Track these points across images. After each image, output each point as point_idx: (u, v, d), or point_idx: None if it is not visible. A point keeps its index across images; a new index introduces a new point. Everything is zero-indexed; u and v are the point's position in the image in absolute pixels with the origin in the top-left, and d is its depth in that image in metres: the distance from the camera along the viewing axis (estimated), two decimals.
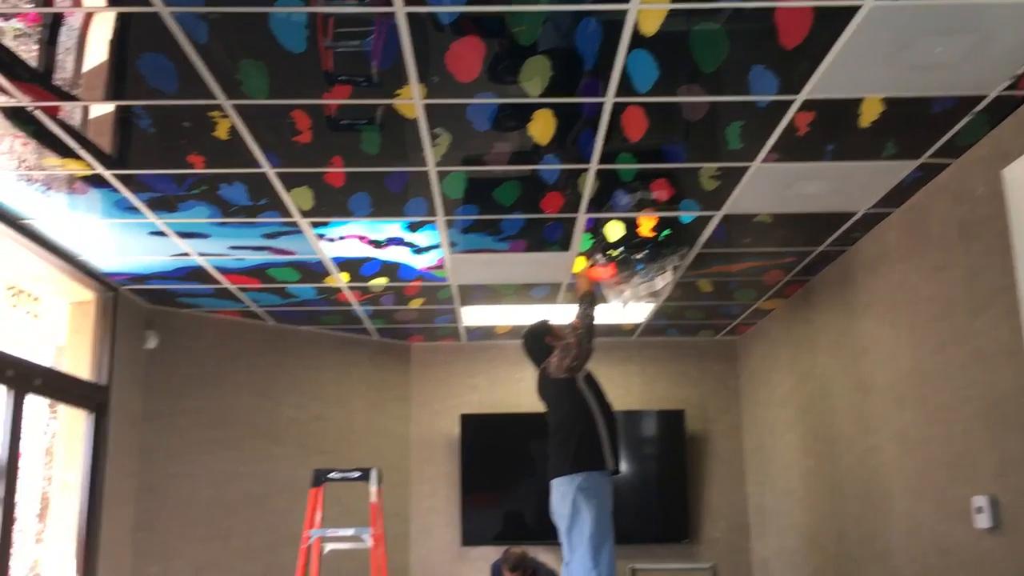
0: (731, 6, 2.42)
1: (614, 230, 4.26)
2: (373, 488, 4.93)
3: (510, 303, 5.68)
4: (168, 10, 2.40)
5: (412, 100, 2.94)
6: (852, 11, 2.44)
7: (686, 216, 4.11)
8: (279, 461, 5.95)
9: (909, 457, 3.90)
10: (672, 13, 2.46)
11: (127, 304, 5.24)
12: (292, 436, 6.06)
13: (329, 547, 4.96)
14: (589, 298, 4.34)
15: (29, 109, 2.96)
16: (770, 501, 6.13)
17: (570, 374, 4.38)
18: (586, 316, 4.28)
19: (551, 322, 4.65)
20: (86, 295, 4.97)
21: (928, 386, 3.70)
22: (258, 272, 4.86)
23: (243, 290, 5.21)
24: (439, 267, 4.83)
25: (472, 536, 6.57)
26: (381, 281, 5.09)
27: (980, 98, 2.95)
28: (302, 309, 5.70)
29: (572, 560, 4.23)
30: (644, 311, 5.84)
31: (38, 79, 2.80)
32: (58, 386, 4.63)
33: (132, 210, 3.89)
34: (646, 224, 4.21)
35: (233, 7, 2.40)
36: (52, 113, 3.00)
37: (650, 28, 2.53)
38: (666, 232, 4.29)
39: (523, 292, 5.42)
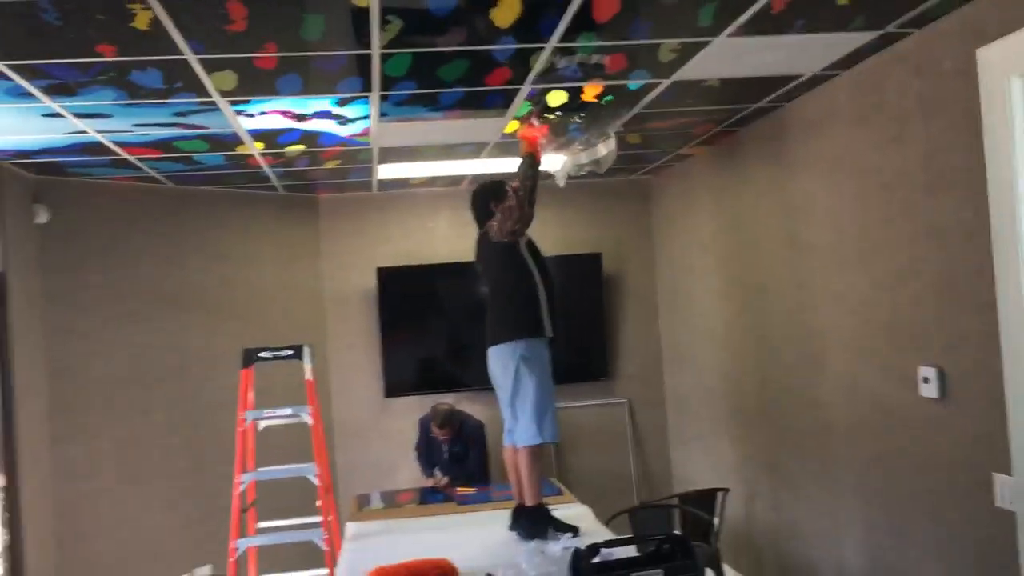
0: None
1: (556, 97, 4.05)
2: (307, 366, 4.83)
3: (431, 160, 5.44)
4: None
5: None
6: None
7: (633, 84, 3.92)
8: (191, 330, 5.71)
9: (849, 318, 4.03)
10: None
11: (11, 178, 4.74)
12: (201, 302, 5.79)
13: (264, 424, 4.88)
14: (529, 159, 4.15)
15: None
16: (686, 340, 6.33)
17: (512, 238, 4.24)
18: (527, 178, 4.10)
19: (506, 185, 4.44)
20: None
21: (875, 253, 3.77)
22: (163, 145, 4.45)
23: (143, 160, 4.78)
24: (363, 135, 4.53)
25: (394, 388, 6.58)
26: (298, 148, 4.75)
27: None
28: (205, 173, 5.30)
29: (516, 428, 4.25)
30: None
31: None
32: None
33: (26, 95, 3.42)
34: (590, 91, 4.00)
35: None
36: None
37: None
38: (608, 98, 4.11)
39: (447, 150, 5.18)
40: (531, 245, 4.35)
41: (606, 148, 4.21)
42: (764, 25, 3.18)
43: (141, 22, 2.73)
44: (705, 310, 5.92)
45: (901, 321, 3.61)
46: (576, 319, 6.70)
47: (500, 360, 4.27)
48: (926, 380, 3.42)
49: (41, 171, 4.91)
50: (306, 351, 4.79)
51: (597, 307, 6.72)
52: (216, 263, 5.90)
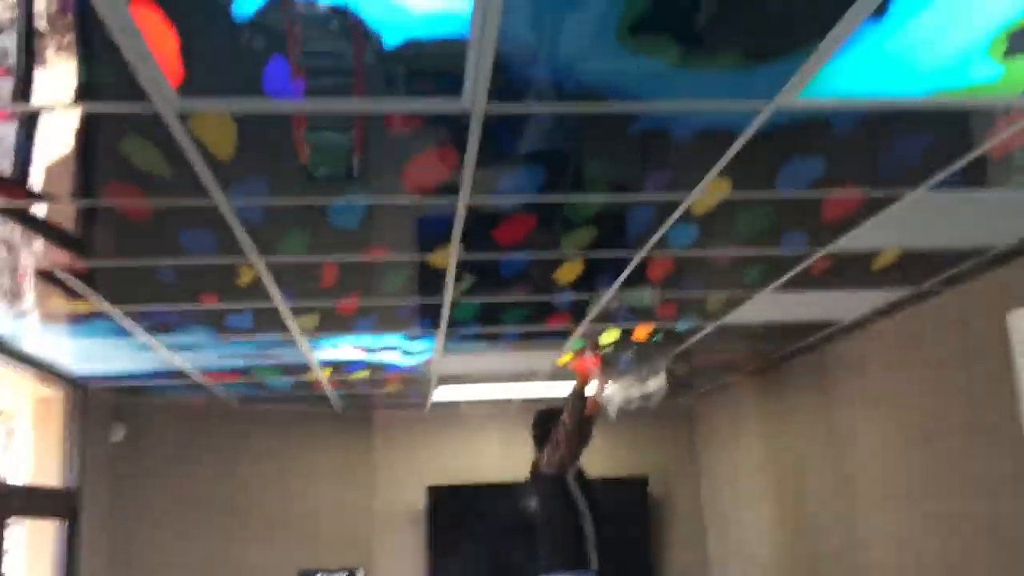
0: (778, 196, 2.49)
1: (609, 335, 4.32)
2: None
3: (485, 383, 5.69)
4: (228, 204, 2.34)
5: (448, 257, 2.93)
6: (888, 202, 2.54)
7: (681, 327, 4.19)
8: (247, 544, 5.81)
9: (898, 557, 4.05)
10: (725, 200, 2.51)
11: (95, 399, 5.05)
12: (259, 516, 5.93)
13: None
14: (579, 393, 4.38)
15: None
16: (736, 566, 6.28)
17: (559, 471, 4.42)
18: (573, 412, 4.33)
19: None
20: (49, 393, 4.77)
21: (921, 494, 3.86)
22: (241, 372, 4.76)
23: (219, 384, 5.08)
24: (426, 364, 4.81)
25: None
26: (363, 374, 5.04)
27: (990, 248, 3.09)
28: (271, 393, 5.59)
29: None
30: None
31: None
32: (35, 503, 4.43)
33: (126, 333, 3.76)
34: (641, 331, 4.27)
35: (297, 198, 2.35)
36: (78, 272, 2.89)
37: (702, 210, 2.58)
38: (657, 337, 4.37)
39: (501, 375, 5.43)
40: (580, 475, 4.53)
41: (656, 384, 4.43)
42: (804, 284, 3.46)
43: (244, 279, 3.06)
44: (751, 538, 5.91)
45: (951, 565, 3.64)
46: (621, 545, 6.69)
47: None
48: None
49: (122, 392, 5.22)
50: (361, 574, 4.87)
51: (643, 531, 6.72)
52: (274, 478, 6.08)
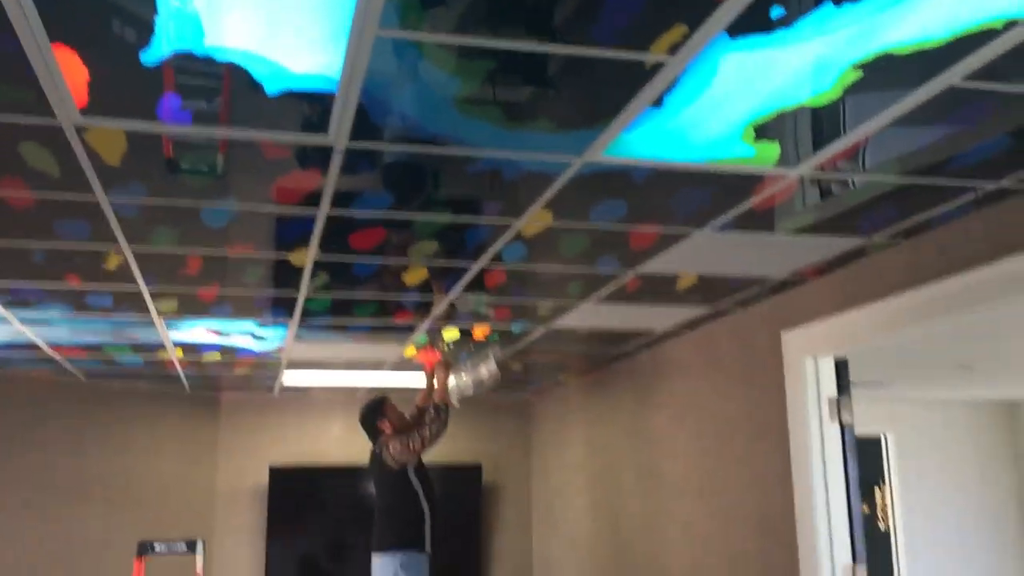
0: (593, 227, 2.96)
1: (451, 333, 4.73)
2: (199, 560, 5.12)
3: (334, 369, 6.00)
4: (108, 200, 2.61)
5: (306, 258, 3.26)
6: (681, 237, 3.06)
7: (516, 328, 4.64)
8: (87, 519, 5.93)
9: (690, 543, 4.65)
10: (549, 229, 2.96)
11: None
12: (100, 492, 6.04)
13: None
14: (444, 408, 4.77)
15: None
16: (555, 551, 6.83)
17: (402, 467, 4.83)
18: (439, 427, 4.72)
19: (387, 403, 5.02)
20: None
21: (711, 490, 4.45)
22: (93, 348, 4.90)
23: (68, 359, 5.20)
24: (278, 351, 5.09)
25: None
26: (214, 357, 5.27)
27: (768, 278, 3.68)
28: (120, 370, 5.72)
29: None
30: None
31: None
32: None
33: None
34: (479, 331, 4.71)
35: (170, 198, 2.64)
36: None
37: (530, 233, 3.02)
38: (494, 336, 4.82)
39: (350, 363, 5.76)
40: (420, 468, 4.94)
41: (487, 370, 4.87)
42: (620, 298, 3.97)
43: (111, 264, 3.30)
44: (571, 525, 6.47)
45: (731, 551, 4.25)
46: (453, 527, 7.14)
47: (381, 566, 4.78)
48: None
49: None
50: (200, 545, 5.11)
51: (474, 516, 7.19)
52: (118, 455, 6.20)
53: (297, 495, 6.91)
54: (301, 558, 6.91)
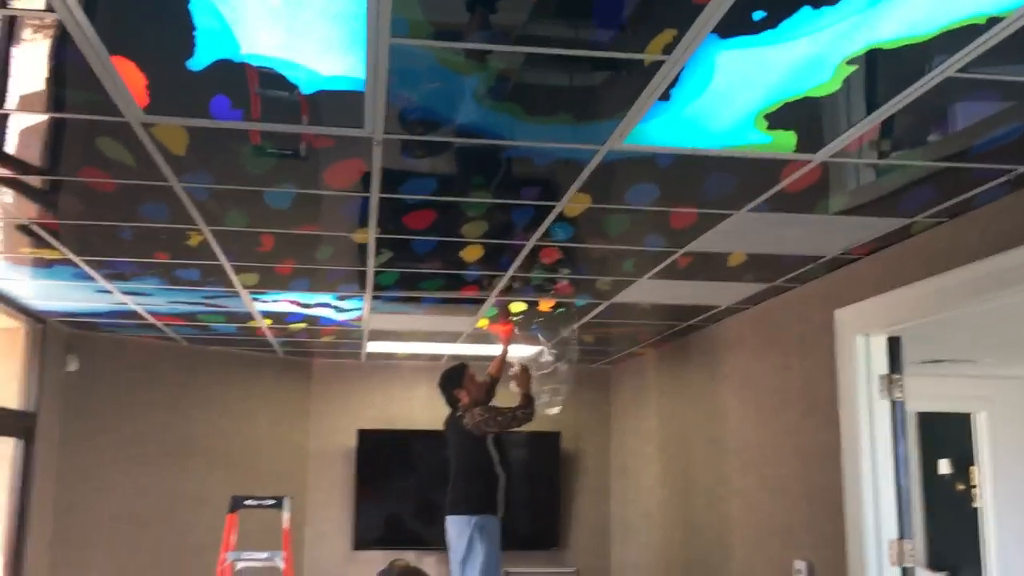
0: (631, 208, 3.08)
1: (517, 306, 4.91)
2: (286, 515, 5.48)
3: (414, 341, 6.26)
4: (180, 184, 2.87)
5: (368, 236, 3.49)
6: (721, 218, 3.14)
7: (579, 302, 4.79)
8: (187, 474, 6.38)
9: (749, 514, 4.74)
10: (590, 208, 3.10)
11: (52, 332, 5.54)
12: (200, 450, 6.49)
13: (241, 565, 5.48)
14: (528, 400, 5.00)
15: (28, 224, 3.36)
16: (631, 516, 6.98)
17: (484, 436, 5.06)
18: (524, 420, 4.96)
19: (466, 373, 5.24)
20: (13, 324, 5.26)
21: (766, 462, 4.53)
22: (188, 316, 5.28)
23: (168, 325, 5.60)
24: (357, 320, 5.37)
25: (362, 541, 7.17)
26: (300, 326, 5.59)
27: (821, 256, 3.72)
28: (217, 337, 6.12)
29: None
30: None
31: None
32: None
33: (87, 278, 4.27)
34: (545, 304, 4.87)
35: (234, 185, 2.89)
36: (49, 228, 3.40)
37: (573, 214, 3.16)
38: (561, 310, 4.98)
39: (427, 335, 6.01)
40: (498, 438, 5.17)
41: (568, 362, 5.10)
42: (674, 274, 4.06)
43: (193, 241, 3.59)
44: (645, 492, 6.61)
45: (782, 520, 4.33)
46: (534, 491, 7.37)
47: (457, 527, 5.04)
48: (799, 572, 4.12)
49: (77, 326, 5.72)
50: (286, 502, 5.46)
51: (553, 481, 7.40)
52: (216, 415, 6.63)
53: (384, 457, 7.26)
54: (387, 517, 7.27)
